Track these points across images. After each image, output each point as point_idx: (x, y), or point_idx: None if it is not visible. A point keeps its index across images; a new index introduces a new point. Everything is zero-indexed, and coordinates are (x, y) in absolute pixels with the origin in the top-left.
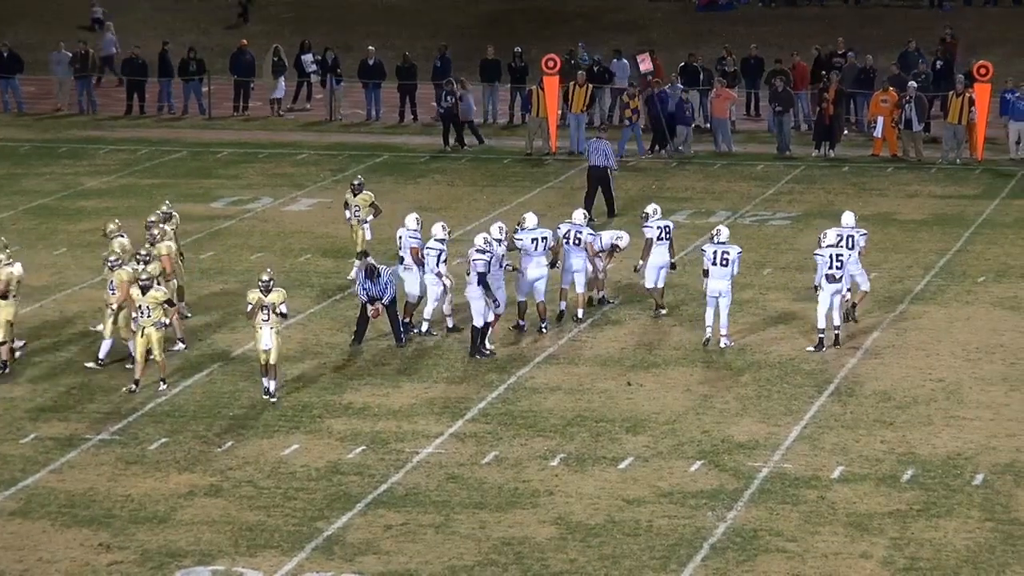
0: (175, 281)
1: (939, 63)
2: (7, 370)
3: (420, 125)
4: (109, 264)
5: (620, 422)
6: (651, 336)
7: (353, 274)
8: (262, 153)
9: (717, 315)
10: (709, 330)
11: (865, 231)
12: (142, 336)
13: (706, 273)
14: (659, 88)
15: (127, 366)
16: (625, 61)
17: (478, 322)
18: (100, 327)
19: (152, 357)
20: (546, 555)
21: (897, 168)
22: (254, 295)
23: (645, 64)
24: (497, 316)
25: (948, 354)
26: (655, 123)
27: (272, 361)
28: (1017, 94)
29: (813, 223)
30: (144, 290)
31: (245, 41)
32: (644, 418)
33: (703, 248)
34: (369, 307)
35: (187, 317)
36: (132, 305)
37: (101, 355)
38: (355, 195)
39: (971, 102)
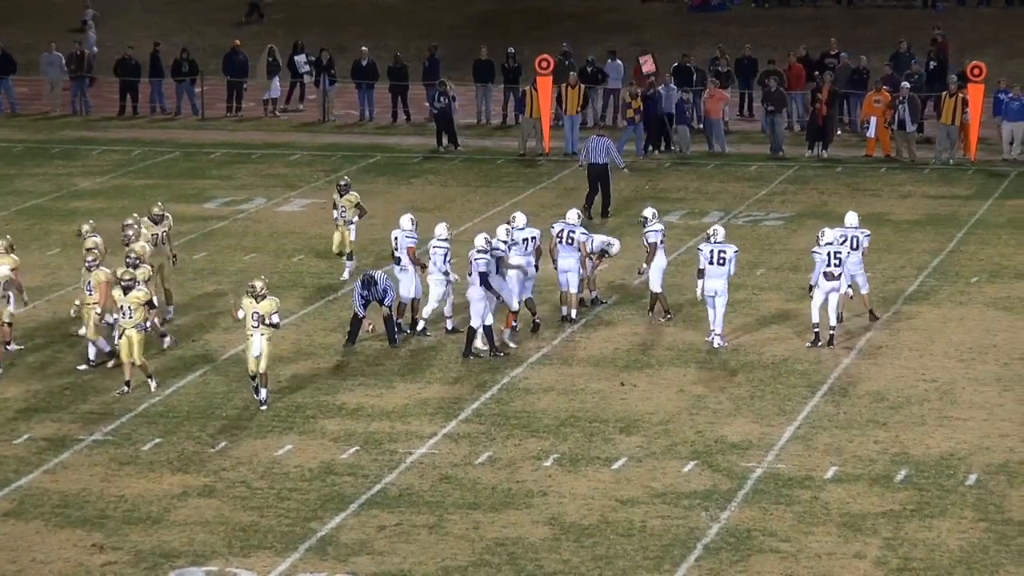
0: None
1: (932, 63)
2: None
3: (412, 126)
4: (87, 265)
5: (613, 422)
6: (644, 336)
7: (346, 275)
8: (255, 154)
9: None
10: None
11: (868, 232)
12: (123, 339)
13: (701, 273)
14: (653, 88)
15: (108, 365)
16: (619, 62)
17: (475, 323)
18: (83, 331)
19: (132, 359)
20: (540, 555)
21: (890, 168)
22: (247, 302)
23: (648, 66)
24: (514, 313)
25: (941, 354)
26: (652, 124)
27: (261, 369)
28: (1010, 95)
29: (806, 223)
30: (126, 291)
31: (238, 41)
32: (637, 418)
33: (700, 248)
34: (365, 322)
35: (168, 320)
36: (113, 306)
37: (91, 356)
38: (341, 195)
39: (964, 103)
